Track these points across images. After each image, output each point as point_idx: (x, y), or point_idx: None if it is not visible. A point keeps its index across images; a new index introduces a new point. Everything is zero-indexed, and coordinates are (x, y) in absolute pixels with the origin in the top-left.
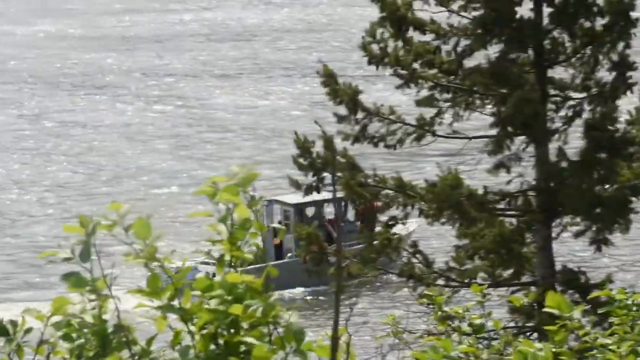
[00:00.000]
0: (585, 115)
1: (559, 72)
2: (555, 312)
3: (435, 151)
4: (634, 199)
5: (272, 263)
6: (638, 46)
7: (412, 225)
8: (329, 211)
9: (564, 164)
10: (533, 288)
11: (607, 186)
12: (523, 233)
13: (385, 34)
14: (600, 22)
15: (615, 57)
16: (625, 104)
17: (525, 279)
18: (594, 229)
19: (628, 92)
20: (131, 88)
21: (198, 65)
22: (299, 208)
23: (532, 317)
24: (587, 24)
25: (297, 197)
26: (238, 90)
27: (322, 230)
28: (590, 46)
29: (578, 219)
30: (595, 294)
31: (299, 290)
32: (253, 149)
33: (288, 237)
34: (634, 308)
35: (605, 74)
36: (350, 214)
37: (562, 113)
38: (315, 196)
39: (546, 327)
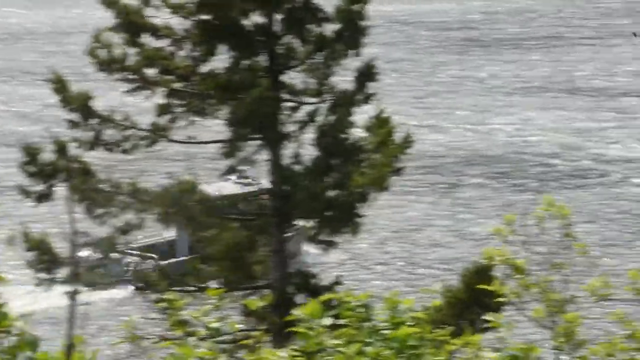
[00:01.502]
0: (318, 120)
1: (294, 77)
2: (303, 316)
3: (174, 156)
4: (361, 203)
5: None
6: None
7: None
8: None
9: (298, 168)
10: (267, 291)
11: (339, 191)
12: (254, 238)
13: (115, 38)
14: (331, 29)
15: (355, 65)
16: (361, 112)
17: (260, 282)
18: (325, 231)
19: (367, 102)
20: None
21: None
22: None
23: (265, 320)
24: (318, 30)
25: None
26: None
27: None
28: (321, 52)
29: (311, 222)
30: (325, 296)
31: None
32: None
33: None
34: (361, 309)
35: (343, 80)
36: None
37: (297, 118)
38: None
39: (293, 329)
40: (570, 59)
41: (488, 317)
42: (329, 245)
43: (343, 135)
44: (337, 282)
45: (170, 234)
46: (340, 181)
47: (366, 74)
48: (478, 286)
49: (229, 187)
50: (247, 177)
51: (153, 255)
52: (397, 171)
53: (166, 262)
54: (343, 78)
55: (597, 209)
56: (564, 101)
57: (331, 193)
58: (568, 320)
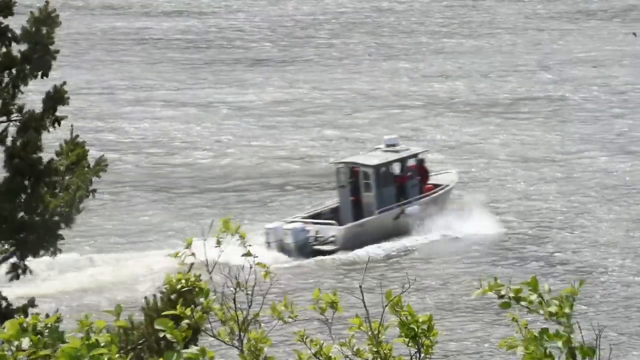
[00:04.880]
0: (7, 141)
1: None
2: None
3: None
4: (63, 225)
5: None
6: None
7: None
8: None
9: None
10: None
11: (31, 213)
12: None
13: None
14: (19, 49)
15: (43, 87)
16: (55, 134)
17: None
18: (17, 254)
19: (56, 125)
20: None
21: None
22: (378, 168)
23: None
24: (4, 50)
25: (375, 159)
26: None
27: (395, 186)
28: (8, 71)
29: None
30: (19, 319)
31: (375, 248)
32: None
33: (368, 196)
34: (53, 331)
35: (31, 101)
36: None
37: None
38: (389, 156)
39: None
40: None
41: (167, 335)
42: (22, 269)
43: (34, 156)
44: (31, 304)
45: (331, 201)
46: (32, 203)
47: (55, 97)
48: (164, 313)
49: None
50: None
51: (332, 221)
52: (91, 193)
53: (347, 225)
54: (34, 98)
55: None
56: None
57: (24, 215)
58: (253, 339)
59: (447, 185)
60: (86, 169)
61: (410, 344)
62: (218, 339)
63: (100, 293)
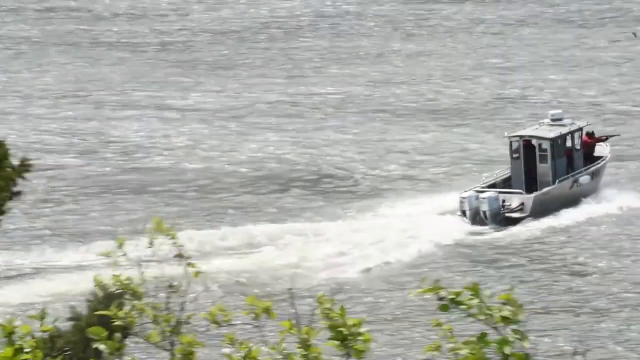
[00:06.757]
0: None
1: None
2: None
3: None
4: None
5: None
6: None
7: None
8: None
9: None
10: None
11: None
12: None
13: None
14: None
15: None
16: None
17: None
18: None
19: None
20: None
21: None
22: (554, 141)
23: None
24: None
25: (551, 132)
26: None
27: (566, 158)
28: None
29: None
30: None
31: (553, 219)
32: None
33: (544, 167)
34: None
35: None
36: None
37: None
38: (561, 129)
39: None
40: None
41: (99, 345)
42: None
43: None
44: None
45: (501, 171)
46: None
47: None
48: (96, 312)
49: None
50: None
51: (519, 190)
52: (15, 195)
53: (535, 193)
54: None
55: None
56: None
57: None
58: (185, 342)
59: (605, 157)
60: (9, 169)
61: (339, 347)
62: (148, 342)
63: (32, 297)
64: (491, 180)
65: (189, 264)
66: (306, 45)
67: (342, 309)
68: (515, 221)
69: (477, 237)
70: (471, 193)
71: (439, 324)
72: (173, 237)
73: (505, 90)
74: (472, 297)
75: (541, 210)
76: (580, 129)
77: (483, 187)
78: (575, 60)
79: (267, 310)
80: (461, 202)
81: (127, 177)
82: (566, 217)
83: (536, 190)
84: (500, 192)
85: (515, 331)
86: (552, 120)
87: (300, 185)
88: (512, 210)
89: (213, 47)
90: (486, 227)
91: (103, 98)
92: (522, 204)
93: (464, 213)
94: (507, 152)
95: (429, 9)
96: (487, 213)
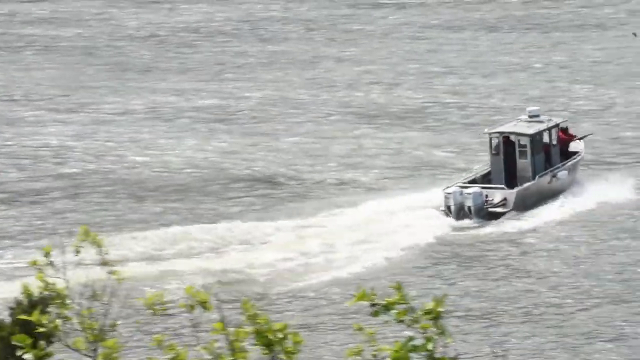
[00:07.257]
0: None
1: None
2: None
3: None
4: None
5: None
6: None
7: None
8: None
9: None
10: None
11: None
12: None
13: None
14: None
15: None
16: None
17: None
18: None
19: None
20: None
21: None
22: (533, 137)
23: None
24: None
25: (530, 129)
26: None
27: (544, 153)
28: None
29: None
30: None
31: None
32: None
33: (523, 162)
34: None
35: None
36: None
37: None
38: (539, 126)
39: None
40: None
41: (25, 355)
42: None
43: None
44: None
45: (480, 167)
46: None
47: None
48: (19, 317)
49: None
50: None
51: (502, 185)
52: None
53: (517, 188)
54: None
55: None
56: None
57: None
58: (108, 347)
59: (580, 153)
60: None
61: (265, 352)
62: (71, 348)
63: None
64: (471, 176)
65: (113, 272)
66: (234, 50)
67: (265, 316)
68: (498, 216)
69: (460, 232)
70: (456, 189)
71: (359, 328)
72: (99, 245)
73: (434, 94)
74: (399, 300)
75: (522, 205)
76: (557, 125)
77: (465, 183)
78: (496, 65)
79: (203, 303)
80: (446, 197)
81: (47, 184)
82: (545, 212)
83: (516, 185)
84: (483, 188)
85: (436, 326)
86: (530, 116)
87: (237, 188)
88: (495, 205)
89: (139, 51)
90: (470, 222)
91: (30, 102)
92: (505, 199)
93: (448, 208)
94: (433, 153)
95: (354, 14)
96: (472, 208)
